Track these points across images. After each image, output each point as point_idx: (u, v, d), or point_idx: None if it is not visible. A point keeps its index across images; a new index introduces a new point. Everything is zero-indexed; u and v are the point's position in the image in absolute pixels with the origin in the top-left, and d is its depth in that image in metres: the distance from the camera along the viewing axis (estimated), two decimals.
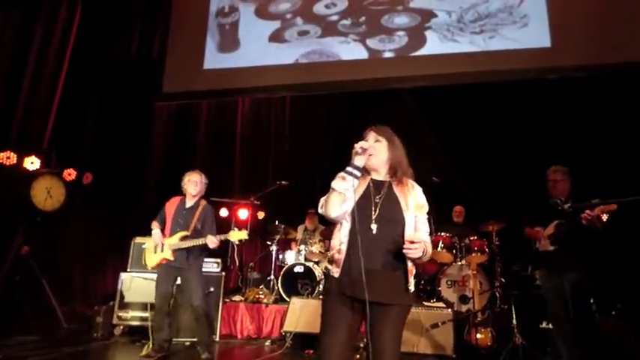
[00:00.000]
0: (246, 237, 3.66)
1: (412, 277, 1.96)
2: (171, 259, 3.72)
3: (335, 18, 5.06)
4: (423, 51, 4.75)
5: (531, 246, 3.62)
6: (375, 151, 2.03)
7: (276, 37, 5.19)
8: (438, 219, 5.66)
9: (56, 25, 5.35)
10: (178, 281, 3.90)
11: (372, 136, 2.08)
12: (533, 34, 4.53)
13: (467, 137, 5.99)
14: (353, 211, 1.92)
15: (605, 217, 3.07)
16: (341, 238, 1.97)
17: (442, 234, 5.12)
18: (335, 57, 4.95)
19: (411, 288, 1.95)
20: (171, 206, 3.95)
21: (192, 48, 5.45)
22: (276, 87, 5.24)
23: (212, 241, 3.63)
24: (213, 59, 5.38)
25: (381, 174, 2.07)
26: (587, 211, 3.09)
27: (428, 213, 2.11)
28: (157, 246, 3.81)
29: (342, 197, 1.92)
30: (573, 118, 5.39)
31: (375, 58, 4.86)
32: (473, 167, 5.91)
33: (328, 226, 5.67)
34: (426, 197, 2.11)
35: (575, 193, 3.46)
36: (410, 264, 1.95)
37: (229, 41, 5.36)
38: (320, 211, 2.01)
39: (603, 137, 5.13)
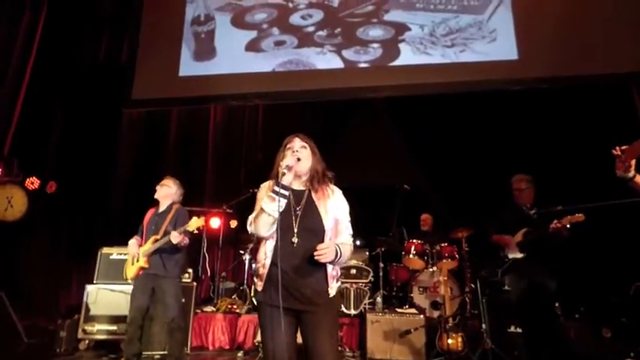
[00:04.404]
0: (203, 223, 3.61)
1: (335, 282, 2.05)
2: (147, 266, 3.62)
3: (311, 29, 5.11)
4: (397, 63, 4.85)
5: (499, 252, 3.75)
6: (302, 157, 2.10)
7: (252, 47, 5.18)
8: (408, 228, 5.77)
9: (19, 28, 5.15)
10: None
11: (297, 141, 2.15)
12: (501, 47, 4.72)
13: (438, 146, 6.14)
14: (277, 225, 1.99)
15: (568, 225, 3.24)
16: (266, 252, 2.05)
17: (414, 241, 5.20)
18: (311, 67, 4.99)
19: (332, 292, 2.03)
20: (147, 217, 3.88)
21: (167, 55, 5.35)
22: (252, 95, 5.21)
23: (174, 236, 3.53)
24: (189, 67, 5.30)
25: (300, 182, 2.14)
26: (556, 222, 3.25)
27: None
28: (134, 257, 3.72)
29: (271, 219, 1.97)
30: (539, 127, 5.64)
31: (350, 68, 4.93)
32: (443, 175, 6.05)
33: None
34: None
35: (541, 200, 3.61)
36: (330, 269, 2.04)
37: (205, 50, 5.31)
38: (249, 229, 2.07)
39: (567, 145, 5.38)
